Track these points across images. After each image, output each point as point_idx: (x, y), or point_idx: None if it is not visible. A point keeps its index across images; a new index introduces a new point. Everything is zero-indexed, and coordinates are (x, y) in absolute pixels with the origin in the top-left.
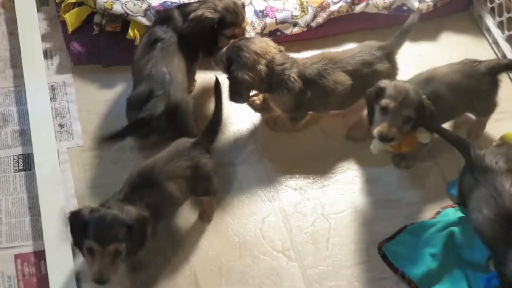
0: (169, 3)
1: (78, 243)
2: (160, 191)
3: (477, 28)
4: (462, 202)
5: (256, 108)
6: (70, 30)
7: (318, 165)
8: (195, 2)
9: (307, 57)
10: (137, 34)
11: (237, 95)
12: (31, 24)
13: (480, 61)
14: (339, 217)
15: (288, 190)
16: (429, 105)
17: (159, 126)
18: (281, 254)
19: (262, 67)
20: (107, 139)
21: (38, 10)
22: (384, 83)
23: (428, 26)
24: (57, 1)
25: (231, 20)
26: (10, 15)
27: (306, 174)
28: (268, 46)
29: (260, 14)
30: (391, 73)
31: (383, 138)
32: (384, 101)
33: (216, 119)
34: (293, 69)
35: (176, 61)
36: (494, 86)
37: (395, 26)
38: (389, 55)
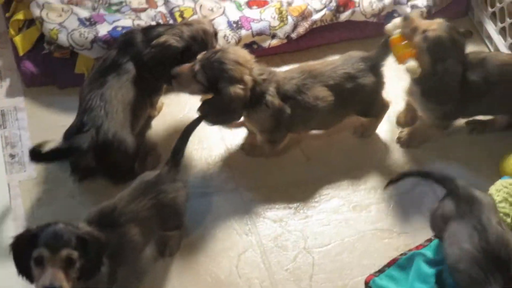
0: (119, 29)
1: (23, 267)
2: (121, 234)
3: (477, 35)
4: (438, 233)
5: (234, 126)
6: (20, 53)
7: (300, 193)
8: (161, 25)
9: (286, 71)
10: (85, 69)
11: (229, 114)
12: None
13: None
14: (323, 251)
15: (266, 222)
16: None
17: (87, 164)
18: None
19: (248, 78)
20: (38, 155)
21: None
22: None
23: None
24: (6, 15)
25: (198, 50)
26: None
27: (287, 203)
28: (244, 54)
29: (235, 25)
30: (377, 87)
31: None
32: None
33: (181, 143)
34: (272, 82)
35: (124, 93)
36: None
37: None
38: (374, 67)
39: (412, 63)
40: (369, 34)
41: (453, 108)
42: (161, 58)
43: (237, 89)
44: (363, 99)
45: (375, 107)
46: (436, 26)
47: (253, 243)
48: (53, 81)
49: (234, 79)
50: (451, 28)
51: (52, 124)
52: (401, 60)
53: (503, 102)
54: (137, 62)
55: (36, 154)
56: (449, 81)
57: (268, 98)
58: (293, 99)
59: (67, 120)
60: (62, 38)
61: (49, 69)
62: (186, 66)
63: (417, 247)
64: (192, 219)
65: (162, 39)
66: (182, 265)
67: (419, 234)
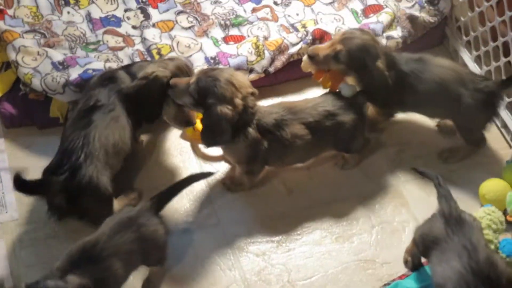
0: (90, 72)
1: None
2: (104, 269)
3: None
4: (423, 252)
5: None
6: None
7: (282, 226)
8: (141, 61)
9: (268, 106)
10: (59, 113)
11: (218, 134)
12: None
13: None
14: (307, 283)
15: (249, 256)
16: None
17: (60, 204)
18: None
19: (239, 101)
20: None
21: None
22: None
23: None
24: None
25: None
26: None
27: (269, 237)
28: (244, 80)
29: (212, 61)
30: (357, 124)
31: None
32: None
33: (174, 192)
34: (253, 114)
35: (108, 134)
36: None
37: None
38: (355, 104)
39: (346, 87)
40: None
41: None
42: (149, 90)
43: (225, 109)
44: (343, 136)
45: (355, 143)
46: (338, 45)
47: (236, 277)
48: (32, 122)
49: (224, 98)
50: (351, 37)
51: (33, 165)
52: (335, 88)
53: (435, 100)
54: (123, 98)
55: (20, 182)
56: (381, 81)
57: (249, 130)
58: (271, 133)
59: (47, 160)
60: (36, 83)
61: (28, 110)
62: (184, 79)
63: (400, 277)
64: (174, 255)
65: (149, 70)
66: None
67: (402, 264)
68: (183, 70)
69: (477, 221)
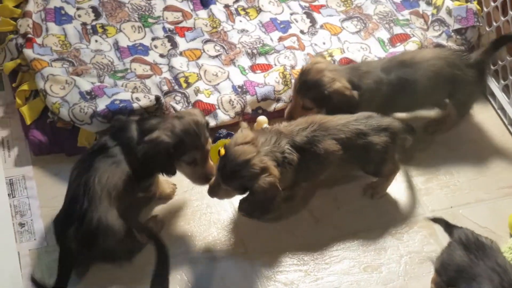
0: (118, 102)
1: None
2: None
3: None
4: (447, 282)
5: None
6: (28, 122)
7: (310, 256)
8: (154, 118)
9: (291, 123)
10: (87, 142)
11: (270, 203)
12: None
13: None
14: None
15: (277, 285)
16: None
17: (79, 255)
18: None
19: (271, 164)
20: None
21: None
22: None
23: None
24: (13, 85)
25: (191, 143)
26: None
27: (297, 266)
28: (242, 139)
29: (239, 90)
30: (389, 147)
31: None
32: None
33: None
34: (282, 140)
35: (108, 177)
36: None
37: None
38: (389, 129)
39: None
40: None
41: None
42: (153, 154)
43: (264, 180)
44: (373, 158)
45: (384, 167)
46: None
47: None
48: (61, 149)
49: (255, 174)
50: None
51: (61, 192)
52: None
53: (434, 92)
54: (127, 151)
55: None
56: (344, 102)
57: (289, 157)
58: (306, 151)
59: None
60: (64, 113)
61: (56, 137)
62: (213, 181)
63: None
64: (201, 284)
65: (154, 135)
66: None
67: None
68: (192, 132)
69: (494, 242)
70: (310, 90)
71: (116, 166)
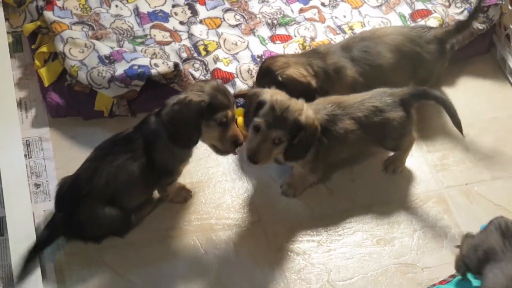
0: (136, 67)
1: None
2: None
3: (499, 71)
4: (474, 264)
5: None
6: (46, 84)
7: (323, 227)
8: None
9: (313, 103)
10: (104, 107)
11: (309, 146)
12: (3, 72)
13: (430, 28)
14: (347, 284)
15: (290, 255)
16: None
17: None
18: None
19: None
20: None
21: (11, 57)
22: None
23: (446, 70)
24: (32, 47)
25: (222, 101)
26: None
27: (310, 236)
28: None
29: (259, 59)
30: (405, 122)
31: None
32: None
33: None
34: None
35: (118, 172)
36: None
37: None
38: (404, 103)
39: None
40: None
41: None
42: (183, 115)
43: (306, 115)
44: (391, 134)
45: (403, 141)
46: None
47: (276, 276)
48: (78, 113)
49: (300, 111)
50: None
51: (77, 155)
52: None
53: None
54: (150, 138)
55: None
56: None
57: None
58: (327, 129)
59: (91, 150)
60: (82, 76)
61: (74, 100)
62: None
63: (440, 282)
64: (213, 250)
65: (182, 95)
66: None
67: (442, 269)
68: (221, 91)
69: None
70: (265, 77)
71: (131, 162)
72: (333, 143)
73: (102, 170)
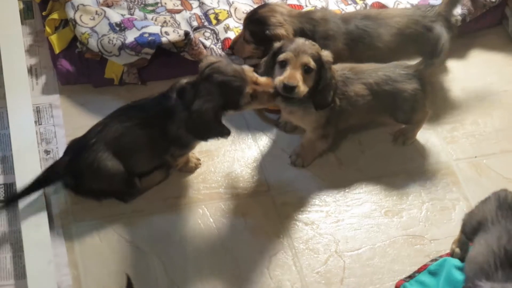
0: (147, 35)
1: None
2: None
3: (511, 44)
4: (469, 233)
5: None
6: (56, 51)
7: (331, 197)
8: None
9: None
10: (114, 75)
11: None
12: (14, 38)
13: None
14: (354, 255)
15: (298, 225)
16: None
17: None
18: None
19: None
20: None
21: (22, 23)
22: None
23: (457, 42)
24: (43, 14)
25: (237, 89)
26: None
27: (319, 207)
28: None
29: None
30: (418, 95)
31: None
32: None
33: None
34: None
35: (126, 132)
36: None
37: None
38: (418, 76)
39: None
40: None
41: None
42: (203, 125)
43: (325, 52)
44: (403, 106)
45: (415, 115)
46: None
47: (284, 245)
48: (88, 80)
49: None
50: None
51: (87, 123)
52: None
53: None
54: (168, 112)
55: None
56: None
57: None
58: (338, 90)
59: (100, 118)
60: (92, 43)
61: (84, 68)
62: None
63: (448, 254)
64: (222, 219)
65: (196, 105)
66: (213, 266)
67: (450, 241)
68: (228, 82)
69: None
70: (253, 23)
71: (139, 128)
72: (344, 105)
73: (112, 125)
